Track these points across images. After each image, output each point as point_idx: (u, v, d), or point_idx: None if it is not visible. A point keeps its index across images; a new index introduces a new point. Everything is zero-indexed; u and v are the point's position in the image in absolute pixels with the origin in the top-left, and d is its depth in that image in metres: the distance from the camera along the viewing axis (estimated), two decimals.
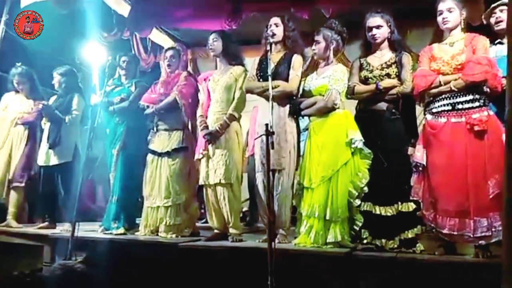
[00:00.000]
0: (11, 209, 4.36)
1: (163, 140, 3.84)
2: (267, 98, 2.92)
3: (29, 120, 4.49)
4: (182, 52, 4.25)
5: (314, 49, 3.34)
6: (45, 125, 4.38)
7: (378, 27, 3.11)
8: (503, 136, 2.59)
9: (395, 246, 2.89)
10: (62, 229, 4.01)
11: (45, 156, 4.27)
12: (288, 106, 3.34)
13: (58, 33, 4.76)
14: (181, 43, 5.79)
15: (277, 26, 3.41)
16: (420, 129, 3.13)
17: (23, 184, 4.40)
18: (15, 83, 4.55)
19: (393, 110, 3.04)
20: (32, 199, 4.67)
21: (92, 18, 4.64)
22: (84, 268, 1.69)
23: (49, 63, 4.75)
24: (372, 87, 3.06)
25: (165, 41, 5.63)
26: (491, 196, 2.60)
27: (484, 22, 3.31)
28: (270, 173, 2.62)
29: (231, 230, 3.46)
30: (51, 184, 4.26)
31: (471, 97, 2.73)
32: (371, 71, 3.10)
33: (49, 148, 4.24)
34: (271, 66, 3.10)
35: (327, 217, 3.02)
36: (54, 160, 4.23)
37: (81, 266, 1.67)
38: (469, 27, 3.00)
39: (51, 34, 4.38)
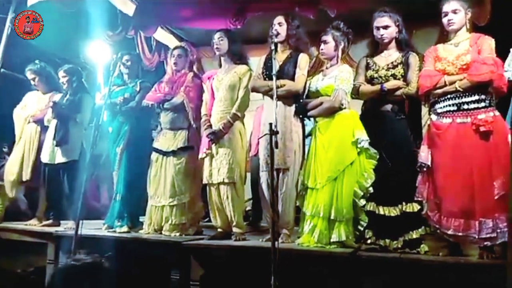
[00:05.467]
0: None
1: (168, 139, 3.84)
2: (272, 97, 2.91)
3: (40, 117, 4.47)
4: (190, 51, 4.24)
5: (322, 49, 3.30)
6: (50, 122, 4.38)
7: (385, 27, 3.08)
8: (509, 137, 2.60)
9: (399, 246, 2.88)
10: (66, 227, 4.02)
11: (50, 154, 4.28)
12: (294, 105, 3.33)
13: (63, 32, 4.77)
14: (188, 42, 5.78)
15: (280, 25, 3.40)
16: (425, 129, 3.11)
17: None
18: (31, 80, 4.55)
19: (398, 111, 3.03)
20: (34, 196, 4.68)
21: (97, 17, 4.64)
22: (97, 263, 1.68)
23: (55, 61, 4.76)
24: (377, 87, 3.04)
25: (170, 40, 5.63)
26: (496, 197, 2.59)
27: None
28: (274, 172, 2.62)
29: (235, 229, 3.46)
30: (56, 182, 4.26)
31: (476, 97, 2.71)
32: (377, 71, 3.09)
33: (56, 145, 4.24)
34: (276, 66, 3.09)
35: (332, 217, 3.00)
36: (60, 158, 4.24)
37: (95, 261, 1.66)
38: (474, 27, 2.97)
39: (56, 33, 4.38)
